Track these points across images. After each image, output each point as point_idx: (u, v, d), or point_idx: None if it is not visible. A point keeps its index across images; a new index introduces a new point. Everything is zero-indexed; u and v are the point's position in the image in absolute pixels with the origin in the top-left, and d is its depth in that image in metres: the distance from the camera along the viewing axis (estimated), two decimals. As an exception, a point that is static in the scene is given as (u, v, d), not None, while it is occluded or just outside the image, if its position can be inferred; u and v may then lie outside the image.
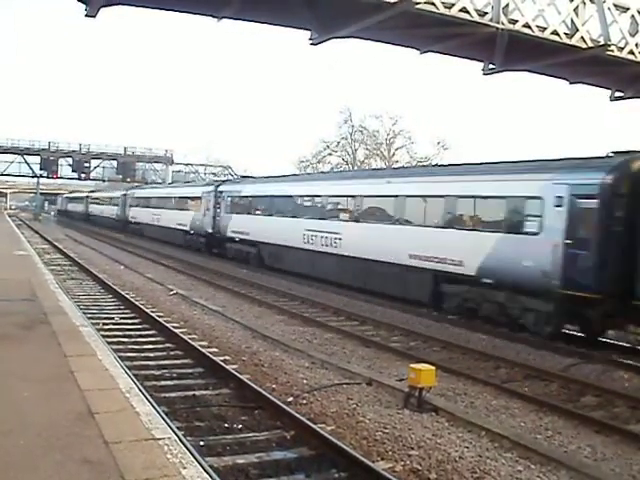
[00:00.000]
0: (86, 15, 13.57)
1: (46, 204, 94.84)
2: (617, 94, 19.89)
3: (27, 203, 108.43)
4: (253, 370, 9.81)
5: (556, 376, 10.39)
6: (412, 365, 8.67)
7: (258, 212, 25.77)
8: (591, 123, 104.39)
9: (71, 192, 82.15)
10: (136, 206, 45.60)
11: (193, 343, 10.90)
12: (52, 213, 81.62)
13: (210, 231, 30.01)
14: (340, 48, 71.31)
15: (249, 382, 8.67)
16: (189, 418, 7.47)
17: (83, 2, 13.32)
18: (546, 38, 15.48)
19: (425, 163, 52.35)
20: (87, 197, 67.00)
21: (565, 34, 15.68)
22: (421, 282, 15.99)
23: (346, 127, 59.08)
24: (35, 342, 7.50)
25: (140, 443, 4.46)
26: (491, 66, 16.94)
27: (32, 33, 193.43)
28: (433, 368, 8.48)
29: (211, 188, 31.11)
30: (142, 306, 14.56)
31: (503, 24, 14.77)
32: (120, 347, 10.45)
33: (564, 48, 15.83)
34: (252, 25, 15.78)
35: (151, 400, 6.14)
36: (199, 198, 32.18)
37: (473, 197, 14.87)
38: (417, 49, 16.87)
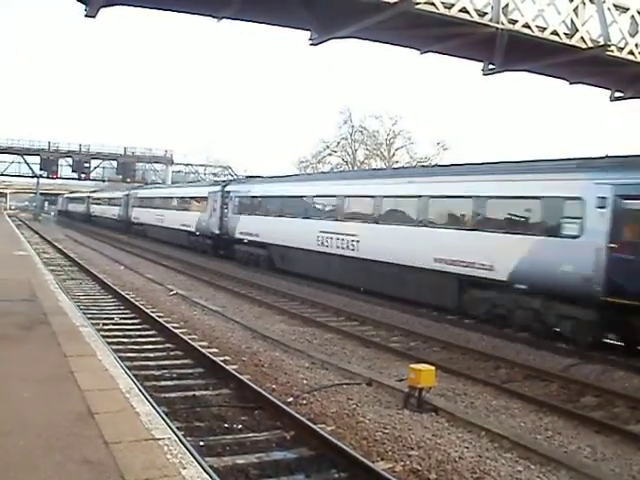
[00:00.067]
0: (86, 15, 13.58)
1: (46, 204, 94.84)
2: (617, 94, 19.90)
3: (27, 203, 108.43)
4: (253, 370, 9.81)
5: (556, 376, 10.38)
6: (412, 365, 8.67)
7: (269, 213, 24.60)
8: (591, 123, 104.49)
9: (72, 192, 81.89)
10: (139, 206, 44.83)
11: (193, 343, 10.90)
12: (52, 213, 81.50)
13: (217, 232, 29.10)
14: (340, 48, 71.32)
15: (249, 382, 8.67)
16: (189, 418, 7.48)
17: (83, 2, 13.33)
18: (546, 38, 15.49)
19: (425, 163, 52.43)
20: (88, 197, 66.38)
21: (565, 34, 15.69)
22: (446, 287, 15.18)
23: (346, 127, 59.19)
24: (35, 342, 7.50)
25: (140, 443, 4.47)
26: (491, 66, 16.94)
27: (32, 33, 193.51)
28: (433, 368, 8.48)
29: (217, 188, 30.22)
30: (142, 306, 14.56)
31: (503, 24, 14.78)
32: (120, 347, 10.45)
33: (564, 48, 15.84)
34: (252, 25, 15.80)
35: (151, 400, 6.13)
36: (205, 198, 31.28)
37: (505, 198, 14.01)
38: (417, 49, 16.88)
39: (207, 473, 4.45)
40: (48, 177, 64.25)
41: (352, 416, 7.84)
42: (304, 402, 8.29)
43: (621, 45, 16.44)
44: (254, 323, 13.83)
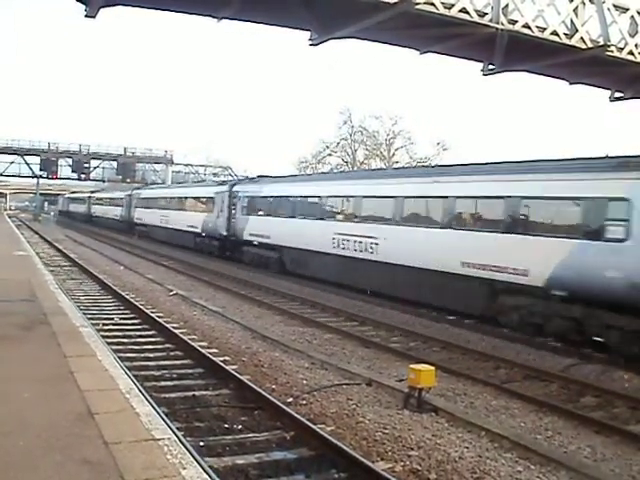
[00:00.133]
0: (86, 16, 13.58)
1: (46, 204, 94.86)
2: (617, 94, 19.91)
3: (27, 204, 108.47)
4: (253, 371, 9.82)
5: (556, 376, 10.38)
6: (412, 365, 8.67)
7: (280, 214, 23.58)
8: (591, 123, 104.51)
9: (72, 192, 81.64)
10: (142, 207, 43.88)
11: (193, 344, 10.90)
12: (52, 214, 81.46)
13: (224, 234, 28.16)
14: (340, 48, 71.36)
15: (249, 383, 8.67)
16: (189, 419, 7.48)
17: (83, 2, 13.32)
18: (546, 38, 15.49)
19: (425, 164, 52.43)
20: (90, 197, 65.75)
21: (565, 34, 15.69)
22: (475, 293, 14.27)
23: (346, 127, 59.16)
24: (35, 342, 7.50)
25: (140, 444, 4.47)
26: (491, 66, 16.94)
27: (32, 33, 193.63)
28: (433, 368, 8.48)
29: (225, 188, 29.21)
30: (142, 307, 14.56)
31: (503, 24, 14.78)
32: (120, 348, 10.45)
33: (564, 48, 15.84)
34: (252, 25, 15.79)
35: (151, 401, 6.13)
36: (212, 199, 30.30)
37: (541, 199, 13.07)
38: (417, 49, 16.87)
39: (207, 473, 4.45)
40: (48, 177, 64.26)
41: (352, 416, 7.84)
42: (304, 402, 8.30)
43: (621, 45, 16.44)
44: (254, 323, 13.83)
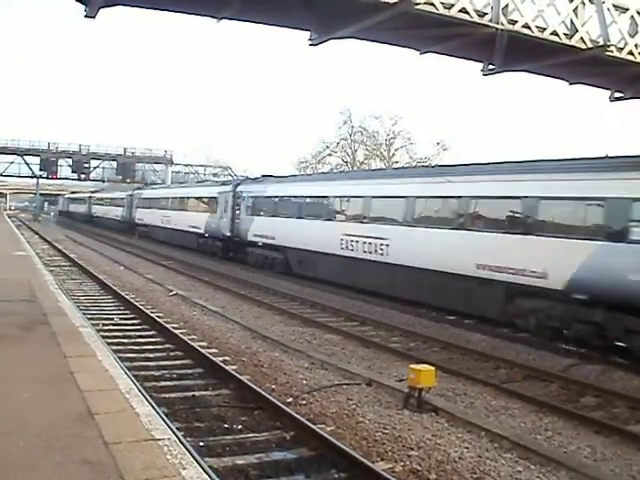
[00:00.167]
0: (86, 16, 13.57)
1: (46, 205, 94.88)
2: (617, 94, 19.89)
3: (27, 204, 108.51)
4: (253, 371, 9.82)
5: (556, 376, 10.38)
6: (412, 365, 8.67)
7: (286, 214, 23.12)
8: (591, 123, 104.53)
9: (73, 192, 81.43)
10: (144, 207, 43.31)
11: (193, 344, 10.90)
12: (52, 214, 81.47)
13: (228, 234, 27.70)
14: (340, 48, 71.33)
15: (249, 383, 8.67)
16: (189, 419, 7.48)
17: (83, 3, 13.31)
18: (545, 39, 15.48)
19: (425, 163, 52.41)
20: (90, 198, 65.33)
21: (564, 35, 15.68)
22: (490, 296, 13.87)
23: (346, 128, 59.16)
24: (35, 343, 7.50)
25: (140, 444, 4.47)
26: (491, 66, 16.93)
27: (32, 33, 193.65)
28: (433, 368, 8.48)
29: (228, 188, 28.72)
30: (142, 307, 14.57)
31: (503, 24, 14.77)
32: (120, 348, 10.45)
33: (563, 49, 15.83)
34: (252, 25, 15.77)
35: (151, 401, 6.13)
36: (215, 199, 29.84)
37: (561, 199, 12.63)
38: (417, 50, 16.86)
39: (207, 474, 4.45)
40: (48, 177, 64.26)
41: (352, 416, 7.84)
42: (304, 402, 8.30)
43: (621, 45, 16.43)
44: (254, 323, 13.83)
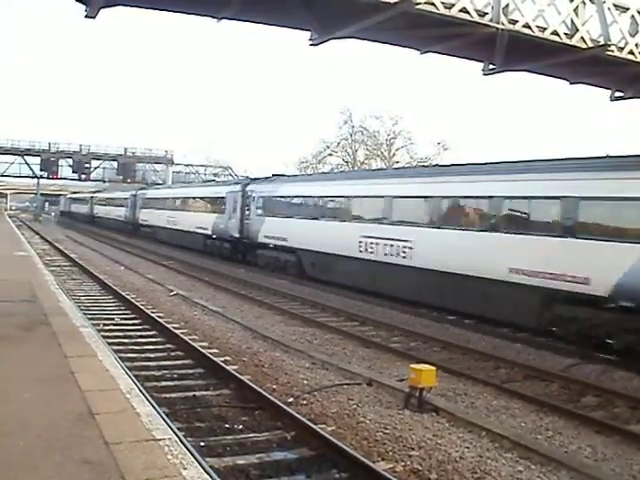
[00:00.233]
0: (86, 16, 13.57)
1: (46, 205, 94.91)
2: (617, 94, 19.88)
3: (27, 204, 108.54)
4: (253, 371, 9.82)
5: (556, 376, 10.38)
6: (412, 365, 8.68)
7: (300, 215, 22.30)
8: (591, 123, 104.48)
9: (74, 192, 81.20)
10: (148, 207, 42.29)
11: (193, 344, 10.91)
12: (52, 214, 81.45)
13: (236, 236, 26.86)
14: (340, 48, 71.12)
15: (249, 383, 8.68)
16: (190, 419, 7.48)
17: (83, 3, 13.31)
18: (546, 38, 15.47)
19: (425, 163, 52.41)
20: (92, 198, 64.85)
21: (565, 34, 15.67)
22: (525, 302, 13.05)
23: (346, 127, 59.12)
24: (35, 343, 7.50)
25: (141, 444, 4.47)
26: (491, 66, 16.92)
27: (32, 33, 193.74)
28: (433, 368, 8.48)
29: (237, 188, 27.83)
30: (142, 307, 14.57)
31: (503, 24, 14.76)
32: (121, 348, 10.46)
33: (564, 48, 15.82)
34: (252, 25, 15.77)
35: (152, 401, 6.14)
36: (223, 199, 28.95)
37: (606, 199, 11.72)
38: (417, 49, 16.85)
39: (208, 474, 4.45)
40: (48, 177, 64.26)
41: (353, 416, 7.84)
42: (304, 402, 8.30)
43: (621, 45, 16.42)
44: (254, 323, 13.84)
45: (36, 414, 5.00)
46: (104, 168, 67.28)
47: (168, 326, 12.45)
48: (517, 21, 15.12)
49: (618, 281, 11.15)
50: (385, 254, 17.16)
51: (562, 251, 12.24)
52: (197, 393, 8.48)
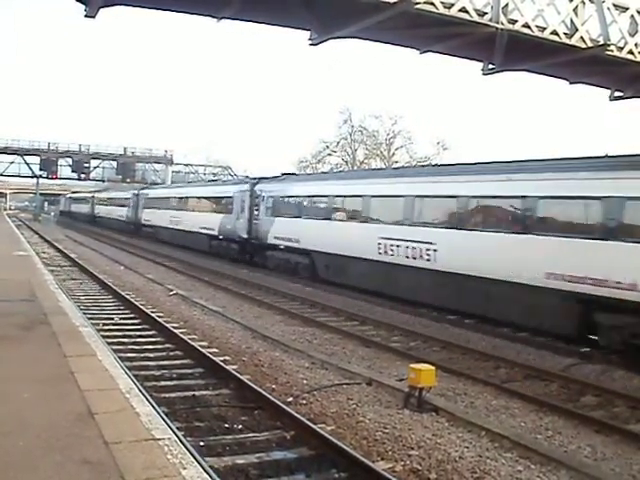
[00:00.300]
0: (86, 16, 13.58)
1: (46, 204, 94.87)
2: (617, 94, 19.91)
3: (27, 203, 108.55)
4: (253, 370, 9.82)
5: (556, 376, 10.38)
6: (412, 365, 8.67)
7: (313, 215, 21.47)
8: (591, 123, 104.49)
9: (74, 192, 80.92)
10: (150, 207, 41.35)
11: (193, 343, 10.90)
12: (52, 214, 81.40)
13: (245, 236, 25.99)
14: (340, 48, 71.24)
15: (249, 382, 8.67)
16: (189, 418, 7.48)
17: (83, 2, 13.33)
18: (546, 38, 15.49)
19: (424, 163, 52.40)
20: (93, 197, 64.18)
21: (565, 34, 15.70)
22: (562, 309, 12.28)
23: (346, 127, 59.23)
24: (35, 342, 7.50)
25: (140, 443, 4.46)
26: (491, 66, 16.95)
27: (32, 33, 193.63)
28: (433, 368, 8.48)
29: (246, 187, 26.94)
30: (142, 306, 14.56)
31: (503, 24, 14.78)
32: (120, 347, 10.45)
33: (564, 48, 15.84)
34: (252, 25, 15.81)
35: (151, 400, 6.13)
36: (230, 198, 28.13)
37: None
38: (417, 49, 16.88)
39: (207, 473, 4.45)
40: (48, 177, 64.22)
41: (352, 416, 7.84)
42: (304, 402, 8.30)
43: (621, 45, 16.45)
44: (254, 323, 13.83)
45: (35, 414, 5.00)
46: (104, 168, 67.34)
47: (167, 326, 12.44)
48: (516, 21, 15.15)
49: None
50: (407, 256, 16.35)
51: (606, 255, 11.43)
52: (196, 393, 8.47)
